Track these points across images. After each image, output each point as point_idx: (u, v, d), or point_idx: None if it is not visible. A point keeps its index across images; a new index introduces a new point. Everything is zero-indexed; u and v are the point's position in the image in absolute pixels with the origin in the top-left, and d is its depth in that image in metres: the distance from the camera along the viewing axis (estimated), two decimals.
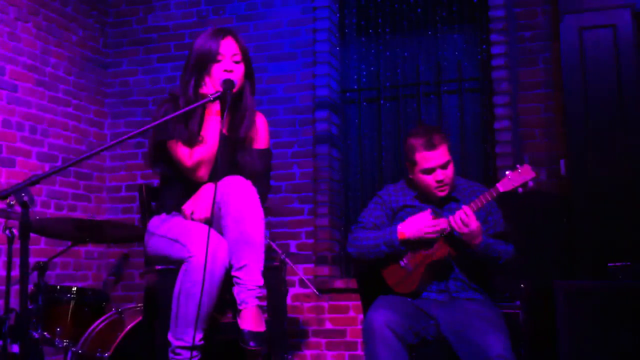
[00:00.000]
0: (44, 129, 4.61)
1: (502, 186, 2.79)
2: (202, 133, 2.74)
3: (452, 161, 2.94)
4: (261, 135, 2.94)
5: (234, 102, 2.81)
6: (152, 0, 5.27)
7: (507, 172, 2.82)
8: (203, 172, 2.75)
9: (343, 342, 4.54)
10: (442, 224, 2.82)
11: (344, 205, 4.94)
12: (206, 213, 2.68)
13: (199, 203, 2.72)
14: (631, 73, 3.81)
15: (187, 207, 2.74)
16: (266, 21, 4.98)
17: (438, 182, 2.90)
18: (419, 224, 2.84)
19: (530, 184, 2.78)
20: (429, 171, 2.90)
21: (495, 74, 4.44)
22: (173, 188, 2.85)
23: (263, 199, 2.74)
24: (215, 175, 2.68)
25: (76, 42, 4.98)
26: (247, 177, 2.70)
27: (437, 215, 2.91)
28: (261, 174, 2.87)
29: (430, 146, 2.88)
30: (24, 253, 2.05)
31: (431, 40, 4.88)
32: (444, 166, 2.90)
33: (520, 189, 2.79)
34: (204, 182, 2.76)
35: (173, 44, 5.17)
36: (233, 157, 2.84)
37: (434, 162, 2.89)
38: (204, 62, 2.77)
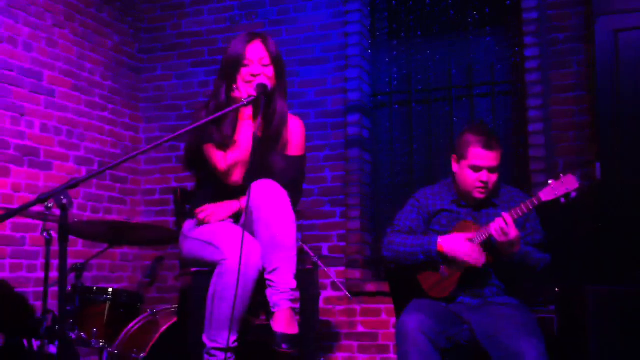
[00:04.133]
0: (81, 132, 4.70)
1: (544, 195, 2.75)
2: (235, 137, 2.77)
3: (499, 170, 2.93)
4: (296, 141, 2.95)
5: (265, 105, 2.83)
6: (185, 5, 5.33)
7: (549, 181, 2.77)
8: (237, 176, 2.78)
9: (375, 346, 4.54)
10: (480, 256, 2.79)
11: (374, 208, 4.94)
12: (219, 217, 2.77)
13: (218, 208, 2.78)
14: None
15: (201, 209, 2.80)
16: (298, 25, 5.00)
17: (481, 182, 2.88)
18: (458, 248, 2.82)
19: (573, 194, 2.73)
20: (477, 169, 2.88)
21: (528, 77, 4.41)
22: (206, 191, 2.89)
23: (294, 204, 2.76)
24: (249, 179, 2.71)
25: (111, 48, 5.06)
26: (279, 182, 2.73)
27: (475, 221, 2.90)
28: (294, 181, 2.89)
29: (488, 146, 2.87)
30: (63, 255, 2.08)
31: (463, 43, 4.86)
32: (491, 169, 2.88)
33: (562, 199, 2.74)
34: (238, 186, 2.79)
35: (206, 49, 5.22)
36: (267, 161, 2.86)
37: (484, 162, 2.87)
38: (233, 66, 2.81)
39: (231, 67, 2.82)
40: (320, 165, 4.82)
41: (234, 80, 2.82)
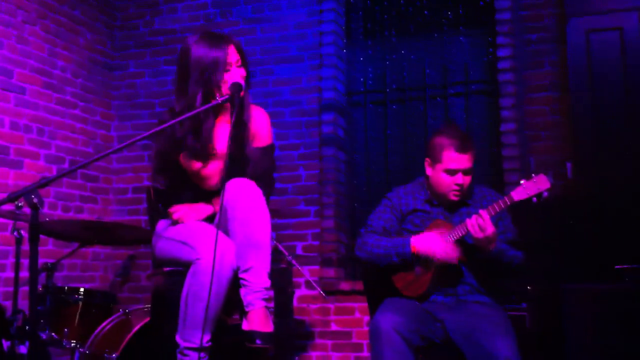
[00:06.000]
0: (52, 131, 4.64)
1: (516, 195, 2.76)
2: (215, 144, 2.75)
3: (473, 171, 2.93)
4: (264, 131, 2.92)
5: (238, 104, 2.81)
6: (159, 3, 5.29)
7: (522, 181, 2.77)
8: (215, 181, 2.77)
9: (349, 344, 4.54)
10: (454, 252, 2.79)
11: (350, 207, 4.94)
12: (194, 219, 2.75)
13: (192, 209, 2.76)
14: (638, 75, 3.80)
15: (175, 210, 2.77)
16: (273, 24, 4.99)
17: (457, 185, 2.88)
18: (432, 246, 2.82)
19: (545, 194, 2.75)
20: (452, 172, 2.88)
21: (501, 77, 4.44)
22: (182, 191, 2.87)
23: (268, 195, 2.75)
24: (225, 178, 2.69)
25: (84, 45, 5.00)
26: (251, 174, 2.71)
27: (447, 220, 2.90)
28: (267, 171, 2.88)
29: (462, 148, 2.86)
30: (34, 255, 2.06)
31: (438, 43, 4.88)
32: (466, 172, 2.89)
33: (534, 199, 2.76)
34: (215, 189, 2.77)
35: (180, 47, 5.16)
36: (240, 156, 2.84)
37: (459, 165, 2.87)
38: (213, 73, 2.73)
39: (210, 73, 2.73)
40: (295, 164, 4.81)
41: (218, 86, 2.74)
